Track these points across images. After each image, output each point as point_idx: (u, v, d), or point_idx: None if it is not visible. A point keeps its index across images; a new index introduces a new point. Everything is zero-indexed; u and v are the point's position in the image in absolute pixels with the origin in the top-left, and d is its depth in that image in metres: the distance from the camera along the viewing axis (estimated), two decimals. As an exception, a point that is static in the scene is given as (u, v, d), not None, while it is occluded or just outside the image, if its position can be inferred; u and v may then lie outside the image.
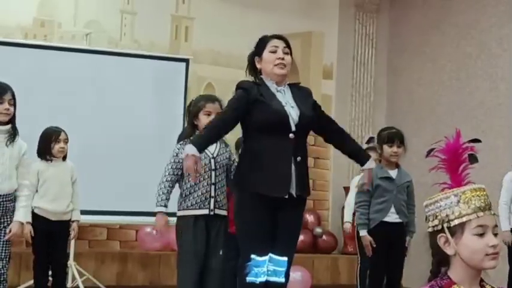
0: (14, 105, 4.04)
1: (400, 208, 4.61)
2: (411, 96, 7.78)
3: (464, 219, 1.86)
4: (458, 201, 1.88)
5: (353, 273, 6.46)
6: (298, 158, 3.53)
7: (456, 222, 1.86)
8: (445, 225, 1.87)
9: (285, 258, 3.54)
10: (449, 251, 1.87)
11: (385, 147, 4.67)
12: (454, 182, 1.92)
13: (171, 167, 4.10)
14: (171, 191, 4.09)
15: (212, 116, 3.97)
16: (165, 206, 4.05)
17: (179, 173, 4.08)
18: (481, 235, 1.84)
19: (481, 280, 1.90)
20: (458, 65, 7.21)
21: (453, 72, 7.27)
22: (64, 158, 4.85)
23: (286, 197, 3.52)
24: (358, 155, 3.84)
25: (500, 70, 6.76)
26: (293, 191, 3.54)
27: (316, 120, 3.69)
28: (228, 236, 4.09)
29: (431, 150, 1.98)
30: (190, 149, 3.30)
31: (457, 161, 1.93)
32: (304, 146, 3.66)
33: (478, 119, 6.80)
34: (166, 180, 4.09)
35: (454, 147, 1.93)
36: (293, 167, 3.52)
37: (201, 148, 3.38)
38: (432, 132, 6.95)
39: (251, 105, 3.54)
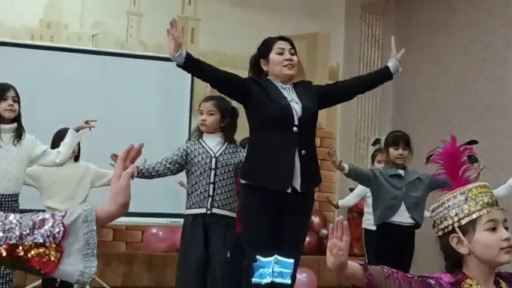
0: (18, 103, 4.06)
1: (411, 205, 4.63)
2: (417, 97, 7.76)
3: (474, 215, 1.86)
4: (466, 199, 1.88)
5: (359, 275, 6.45)
6: (303, 152, 3.53)
7: (466, 220, 1.86)
8: (456, 224, 1.87)
9: (292, 260, 3.54)
10: (462, 250, 1.86)
11: (391, 149, 4.71)
12: (456, 185, 1.92)
13: (172, 156, 4.19)
14: (155, 168, 4.15)
15: (204, 116, 4.15)
16: (137, 167, 4.03)
17: (176, 166, 4.17)
18: (493, 229, 1.84)
19: (496, 279, 1.88)
20: (464, 67, 7.19)
21: (460, 74, 7.25)
22: (76, 159, 4.86)
23: (289, 191, 3.51)
24: (379, 73, 3.92)
25: (507, 72, 6.73)
26: (297, 186, 3.52)
27: (329, 93, 3.75)
28: (235, 236, 4.08)
29: (430, 156, 1.98)
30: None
31: (456, 164, 1.93)
32: (310, 140, 3.65)
33: (484, 121, 6.78)
34: (159, 161, 4.16)
35: (451, 152, 1.93)
36: (297, 160, 3.51)
37: (189, 55, 3.55)
38: (438, 134, 6.91)
39: (250, 91, 3.58)
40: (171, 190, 6.11)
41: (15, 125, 4.04)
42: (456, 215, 1.88)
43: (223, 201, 4.06)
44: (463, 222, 1.86)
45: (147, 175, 4.16)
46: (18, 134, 4.03)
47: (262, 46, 3.76)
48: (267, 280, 3.48)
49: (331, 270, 6.34)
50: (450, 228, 1.87)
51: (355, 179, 4.88)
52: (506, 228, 1.86)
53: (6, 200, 3.95)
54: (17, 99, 4.06)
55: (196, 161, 4.12)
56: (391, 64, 3.85)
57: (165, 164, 4.18)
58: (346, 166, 4.51)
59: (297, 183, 3.53)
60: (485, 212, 1.85)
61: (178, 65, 3.57)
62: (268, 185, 3.51)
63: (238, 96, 3.72)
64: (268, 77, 3.69)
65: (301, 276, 5.60)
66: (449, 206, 1.89)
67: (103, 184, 4.85)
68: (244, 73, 3.90)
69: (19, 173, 4.02)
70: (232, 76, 3.69)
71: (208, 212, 4.03)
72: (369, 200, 5.44)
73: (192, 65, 3.58)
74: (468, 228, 1.86)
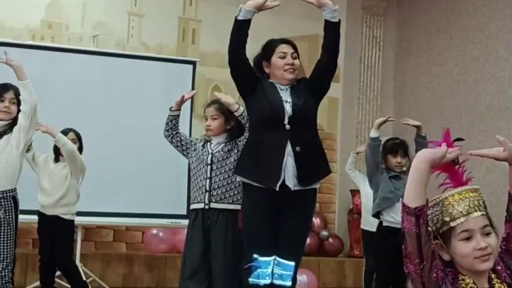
0: (18, 104, 4.02)
1: None
2: (418, 99, 7.77)
3: (447, 227, 1.84)
4: (441, 210, 1.86)
5: (359, 276, 6.45)
6: (298, 148, 3.51)
7: (443, 229, 1.85)
8: (436, 233, 1.86)
9: (292, 263, 3.53)
10: (445, 256, 1.85)
11: (389, 157, 4.73)
12: (454, 181, 1.90)
13: (187, 136, 4.45)
14: (176, 124, 4.33)
15: (208, 121, 4.21)
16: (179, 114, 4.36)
17: (183, 142, 4.31)
18: (468, 239, 1.82)
19: (490, 276, 1.87)
20: (465, 69, 7.19)
21: (460, 76, 7.25)
22: None
23: (277, 189, 3.49)
24: (325, 29, 3.71)
25: (508, 74, 6.73)
26: (290, 184, 3.51)
27: (315, 75, 3.69)
28: (238, 233, 4.05)
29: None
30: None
31: (451, 160, 1.90)
32: (308, 135, 3.61)
33: (485, 123, 6.78)
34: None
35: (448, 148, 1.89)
36: (291, 158, 3.50)
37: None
38: (439, 135, 6.90)
39: (256, 81, 3.61)
40: (171, 191, 6.12)
41: (6, 122, 4.00)
42: (434, 224, 1.87)
43: (221, 195, 4.06)
44: (441, 231, 1.85)
45: (176, 122, 4.33)
46: (4, 131, 3.98)
47: (265, 48, 3.76)
48: (265, 281, 3.48)
49: (331, 272, 6.32)
50: (433, 234, 1.86)
51: (374, 149, 4.78)
52: (488, 234, 1.83)
53: None
54: (15, 101, 4.02)
55: (197, 157, 4.18)
56: (325, 14, 3.70)
57: (182, 133, 4.37)
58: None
59: (290, 182, 3.51)
60: (459, 222, 1.83)
61: (237, 17, 3.63)
62: (256, 181, 3.52)
63: (246, 81, 3.65)
64: (270, 80, 3.70)
65: (301, 277, 5.59)
66: (432, 214, 1.87)
67: (72, 166, 4.85)
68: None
69: (7, 168, 3.95)
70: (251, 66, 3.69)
71: (207, 206, 4.06)
72: (366, 201, 5.46)
73: (247, 23, 3.60)
74: (446, 237, 1.85)
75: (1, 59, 3.99)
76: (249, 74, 3.64)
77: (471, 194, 1.87)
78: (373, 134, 4.69)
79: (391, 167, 4.73)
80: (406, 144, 4.80)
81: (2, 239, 3.91)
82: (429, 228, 1.84)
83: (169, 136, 4.33)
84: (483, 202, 1.87)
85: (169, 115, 4.33)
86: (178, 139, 4.32)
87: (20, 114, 4.01)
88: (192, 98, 5.37)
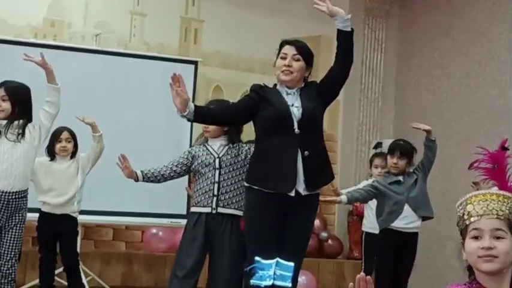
0: (12, 101, 4.00)
1: (417, 204, 4.65)
2: (420, 102, 7.76)
3: (463, 225, 1.90)
4: (464, 208, 1.91)
5: (358, 278, 6.44)
6: (306, 153, 3.50)
7: (462, 227, 1.91)
8: (460, 231, 1.91)
9: (292, 264, 3.53)
10: (464, 255, 1.90)
11: (388, 157, 4.76)
12: (504, 188, 1.95)
13: (178, 159, 4.24)
14: (161, 172, 4.20)
15: None
16: (142, 171, 4.18)
17: (182, 168, 4.21)
18: (476, 238, 1.86)
19: None
20: (467, 72, 7.19)
21: (462, 79, 7.24)
22: (73, 155, 4.87)
23: (292, 194, 3.49)
24: (338, 39, 3.82)
25: (509, 77, 6.73)
26: (300, 189, 3.51)
27: (327, 81, 3.71)
28: (241, 235, 4.05)
29: (475, 162, 2.02)
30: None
31: (503, 169, 1.97)
32: (315, 140, 3.62)
33: (486, 126, 6.78)
34: (165, 165, 4.21)
35: (499, 156, 1.96)
36: (300, 162, 3.50)
37: (197, 109, 3.50)
38: (440, 138, 6.89)
39: (257, 107, 3.58)
40: (171, 190, 6.11)
41: (21, 121, 4.01)
42: (457, 223, 1.93)
43: (229, 200, 4.05)
44: (460, 229, 1.92)
45: (153, 179, 4.20)
46: (22, 131, 4.00)
47: (278, 50, 3.78)
48: (267, 282, 3.48)
49: (330, 273, 6.35)
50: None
51: (357, 200, 4.91)
52: (498, 238, 1.84)
53: (13, 197, 3.93)
54: (6, 98, 4.00)
55: (200, 161, 4.15)
56: (337, 23, 3.74)
57: (171, 167, 4.22)
58: (343, 198, 4.55)
59: (300, 186, 3.51)
60: (472, 220, 1.87)
61: (188, 120, 3.57)
62: (271, 188, 3.49)
63: (251, 118, 3.73)
64: (276, 84, 3.70)
65: (300, 278, 5.57)
66: (458, 212, 1.93)
67: (91, 162, 4.93)
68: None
69: (25, 169, 4.00)
70: (241, 107, 3.71)
71: (214, 211, 4.04)
72: (371, 203, 5.44)
73: (202, 116, 3.59)
74: (463, 235, 1.90)
75: (37, 59, 4.04)
76: (247, 113, 3.67)
77: (495, 198, 1.90)
78: (344, 202, 4.70)
79: (388, 167, 4.75)
80: (405, 147, 4.79)
81: (16, 237, 3.94)
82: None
83: (166, 179, 4.25)
84: (508, 209, 1.89)
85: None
86: (177, 171, 4.22)
87: (45, 115, 4.09)
88: (193, 95, 5.35)
